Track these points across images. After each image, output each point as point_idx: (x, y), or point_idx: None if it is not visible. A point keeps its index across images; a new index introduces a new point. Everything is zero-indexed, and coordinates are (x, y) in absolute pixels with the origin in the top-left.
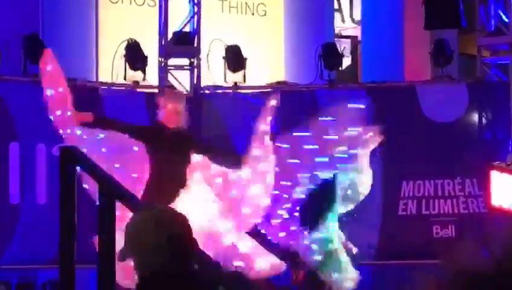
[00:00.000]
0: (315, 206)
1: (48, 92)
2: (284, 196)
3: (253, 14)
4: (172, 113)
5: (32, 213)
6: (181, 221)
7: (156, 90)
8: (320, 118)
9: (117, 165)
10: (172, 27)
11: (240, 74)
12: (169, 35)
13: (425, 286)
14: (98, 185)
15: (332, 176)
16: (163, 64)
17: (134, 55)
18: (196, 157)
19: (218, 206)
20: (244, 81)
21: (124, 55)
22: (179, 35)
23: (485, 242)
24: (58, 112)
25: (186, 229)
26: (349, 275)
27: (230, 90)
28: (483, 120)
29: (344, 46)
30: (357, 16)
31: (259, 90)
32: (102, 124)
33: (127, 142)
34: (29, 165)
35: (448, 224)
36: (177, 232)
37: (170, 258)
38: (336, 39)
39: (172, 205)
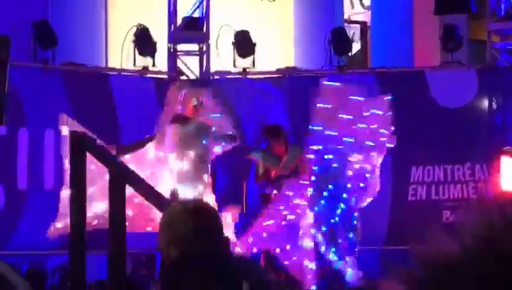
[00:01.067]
0: None
1: None
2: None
3: None
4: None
5: (39, 198)
6: (211, 212)
7: (165, 76)
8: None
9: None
10: (182, 13)
11: (249, 59)
12: (179, 21)
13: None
14: (108, 170)
15: None
16: (172, 50)
17: (144, 41)
18: None
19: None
20: (254, 66)
21: (133, 41)
22: (188, 20)
23: (455, 230)
24: None
25: (215, 219)
26: None
27: (240, 76)
28: (493, 105)
29: (353, 31)
30: (367, 1)
31: (269, 76)
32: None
33: None
34: (38, 150)
35: (458, 209)
36: (206, 221)
37: (199, 243)
38: (345, 24)
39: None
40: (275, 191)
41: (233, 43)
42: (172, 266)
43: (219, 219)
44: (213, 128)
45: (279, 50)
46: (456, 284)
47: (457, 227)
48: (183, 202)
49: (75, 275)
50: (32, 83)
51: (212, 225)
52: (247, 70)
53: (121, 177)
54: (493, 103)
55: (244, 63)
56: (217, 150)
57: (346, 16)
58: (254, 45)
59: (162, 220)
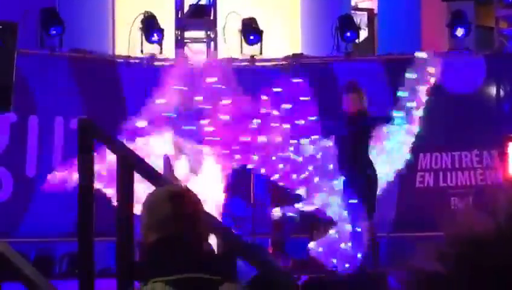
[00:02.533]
0: None
1: None
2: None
3: None
4: None
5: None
6: (192, 198)
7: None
8: None
9: None
10: (189, 0)
11: (257, 46)
12: (186, 8)
13: (426, 256)
14: (116, 157)
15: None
16: (179, 37)
17: (151, 28)
18: None
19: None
20: (261, 53)
21: (141, 28)
22: (195, 7)
23: (488, 209)
24: None
25: (195, 205)
26: None
27: (247, 63)
28: (501, 92)
29: (360, 18)
30: None
31: (276, 63)
32: None
33: None
34: (47, 138)
35: (466, 196)
36: (187, 207)
37: (180, 227)
38: (352, 12)
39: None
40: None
41: (240, 30)
42: (149, 250)
43: (201, 205)
44: None
45: (287, 37)
46: (491, 260)
47: (490, 207)
48: (165, 187)
49: (84, 262)
50: (41, 71)
51: (192, 211)
52: (255, 57)
53: (128, 164)
54: (501, 90)
55: (251, 50)
56: None
57: (352, 3)
58: (261, 32)
59: (143, 204)
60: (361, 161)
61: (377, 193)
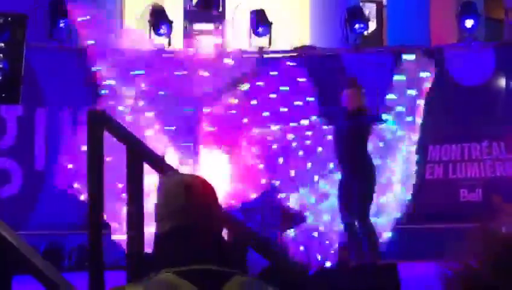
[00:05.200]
0: None
1: None
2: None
3: None
4: None
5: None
6: (206, 186)
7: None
8: None
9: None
10: None
11: (265, 38)
12: (194, 0)
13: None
14: (126, 147)
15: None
16: (188, 29)
17: (159, 20)
18: None
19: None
20: (270, 45)
21: (149, 20)
22: (204, 0)
23: None
24: None
25: (210, 194)
26: None
27: (256, 55)
28: (510, 83)
29: (369, 10)
30: None
31: (285, 54)
32: None
33: None
34: (55, 130)
35: (475, 188)
36: (200, 193)
37: (193, 218)
38: (360, 3)
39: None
40: None
41: (249, 22)
42: (161, 240)
43: (215, 196)
44: None
45: (295, 29)
46: None
47: None
48: (180, 175)
49: (94, 255)
50: (49, 63)
51: (206, 202)
52: (263, 49)
53: (138, 155)
54: (510, 81)
55: (260, 42)
56: None
57: None
58: (270, 24)
59: (158, 191)
60: (359, 157)
61: (375, 188)
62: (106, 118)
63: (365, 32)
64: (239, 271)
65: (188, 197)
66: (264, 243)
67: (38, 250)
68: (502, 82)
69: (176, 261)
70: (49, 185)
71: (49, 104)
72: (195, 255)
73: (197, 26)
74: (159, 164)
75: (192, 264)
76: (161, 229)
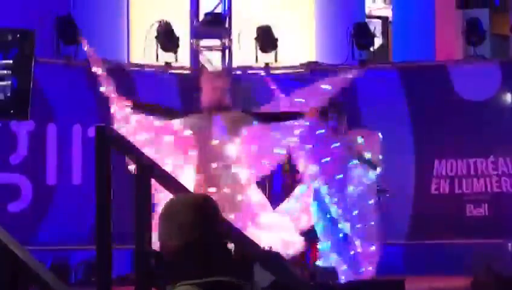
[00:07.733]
0: None
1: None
2: None
3: None
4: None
5: (67, 194)
6: (212, 203)
7: (188, 72)
8: None
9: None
10: (204, 8)
11: (271, 54)
12: (201, 16)
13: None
14: (135, 165)
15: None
16: (194, 45)
17: (166, 37)
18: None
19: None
20: (276, 61)
21: (156, 37)
22: (211, 16)
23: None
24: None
25: (217, 210)
26: None
27: (262, 71)
28: None
29: (374, 26)
30: None
31: (291, 71)
32: (140, 108)
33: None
34: (66, 146)
35: (481, 203)
36: (209, 212)
37: (202, 233)
38: (366, 19)
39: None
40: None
41: (255, 38)
42: (173, 255)
43: (220, 212)
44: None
45: (301, 45)
46: None
47: None
48: (185, 194)
49: (101, 271)
50: (58, 79)
51: (213, 218)
52: (270, 65)
53: (146, 172)
54: None
55: (266, 58)
56: None
57: (367, 11)
58: (276, 39)
59: (162, 213)
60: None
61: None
62: (114, 134)
63: (371, 48)
64: (250, 283)
65: (197, 213)
66: (271, 258)
67: (44, 265)
68: (508, 97)
69: (191, 274)
70: (58, 200)
71: (60, 119)
72: (210, 268)
73: (204, 43)
74: (168, 181)
75: (208, 276)
76: (169, 246)
